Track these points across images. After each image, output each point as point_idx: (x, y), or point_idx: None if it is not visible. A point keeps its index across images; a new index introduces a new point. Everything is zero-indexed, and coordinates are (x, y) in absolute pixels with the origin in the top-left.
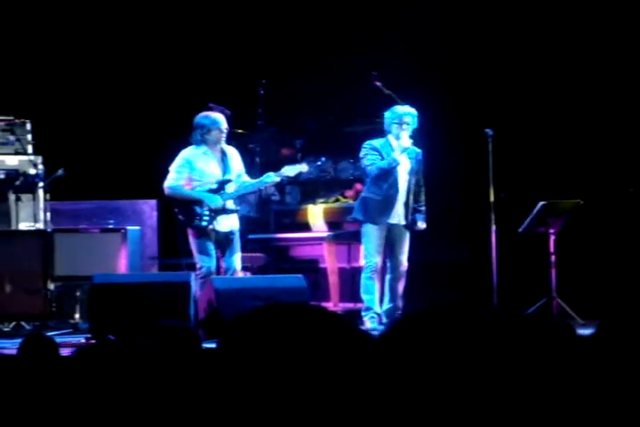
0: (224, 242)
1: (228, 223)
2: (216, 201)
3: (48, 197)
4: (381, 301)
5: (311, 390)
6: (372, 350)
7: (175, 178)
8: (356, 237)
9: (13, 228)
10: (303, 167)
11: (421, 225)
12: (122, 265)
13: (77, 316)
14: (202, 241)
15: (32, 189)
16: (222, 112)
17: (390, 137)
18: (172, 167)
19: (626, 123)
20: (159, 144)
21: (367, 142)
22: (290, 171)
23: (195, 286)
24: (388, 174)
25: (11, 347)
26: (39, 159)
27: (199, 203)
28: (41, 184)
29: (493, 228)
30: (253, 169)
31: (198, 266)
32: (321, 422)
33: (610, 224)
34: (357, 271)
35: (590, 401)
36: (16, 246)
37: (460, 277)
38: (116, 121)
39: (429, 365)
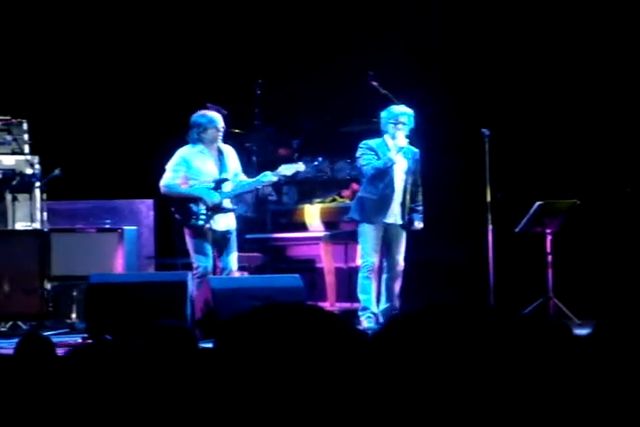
0: (221, 241)
1: (225, 222)
2: (214, 197)
3: (45, 196)
4: (378, 300)
5: (307, 390)
6: (366, 349)
7: (171, 177)
8: (352, 237)
9: (10, 227)
10: (300, 166)
11: (418, 225)
12: (118, 265)
13: (74, 316)
14: (198, 241)
15: (29, 189)
16: (219, 111)
17: (387, 137)
18: (169, 166)
19: (623, 123)
20: (156, 144)
21: (363, 142)
22: (287, 170)
23: (191, 286)
24: (384, 174)
25: (7, 347)
26: (36, 159)
27: (196, 201)
28: (38, 184)
29: (490, 228)
30: (250, 169)
31: (195, 265)
32: (316, 421)
33: (607, 224)
34: (354, 271)
35: (587, 401)
36: (13, 246)
37: (456, 276)
38: (113, 121)
39: (425, 364)
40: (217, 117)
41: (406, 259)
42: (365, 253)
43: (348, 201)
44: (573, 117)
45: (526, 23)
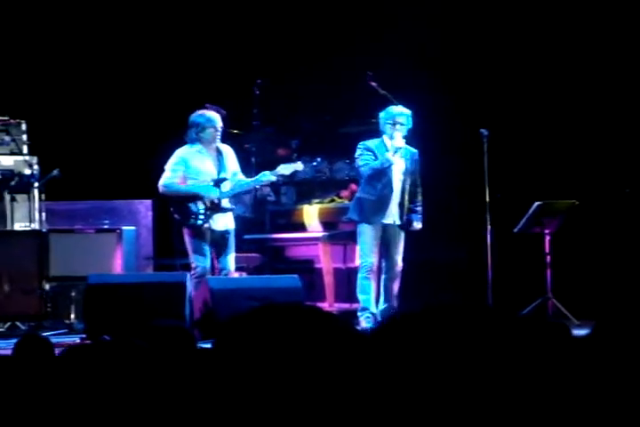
0: (220, 241)
1: (224, 222)
2: (213, 192)
3: (43, 197)
4: (377, 301)
5: (306, 390)
6: (364, 348)
7: (170, 176)
8: (351, 238)
9: (8, 228)
10: (298, 166)
11: (417, 225)
12: (117, 265)
13: (73, 316)
14: (197, 241)
15: (27, 190)
16: (217, 111)
17: (385, 137)
18: (168, 166)
19: (622, 123)
20: (154, 144)
21: (362, 143)
22: (285, 169)
23: (190, 287)
24: (382, 174)
25: (6, 347)
26: (34, 159)
27: (194, 200)
28: (36, 184)
29: (489, 228)
30: (249, 169)
31: (193, 266)
32: (315, 421)
33: (605, 225)
34: (353, 272)
35: (585, 401)
36: (11, 247)
37: (455, 277)
38: (112, 121)
39: (423, 364)
40: (215, 117)
41: (405, 259)
42: (364, 254)
43: (346, 201)
44: (572, 118)
45: (526, 23)
